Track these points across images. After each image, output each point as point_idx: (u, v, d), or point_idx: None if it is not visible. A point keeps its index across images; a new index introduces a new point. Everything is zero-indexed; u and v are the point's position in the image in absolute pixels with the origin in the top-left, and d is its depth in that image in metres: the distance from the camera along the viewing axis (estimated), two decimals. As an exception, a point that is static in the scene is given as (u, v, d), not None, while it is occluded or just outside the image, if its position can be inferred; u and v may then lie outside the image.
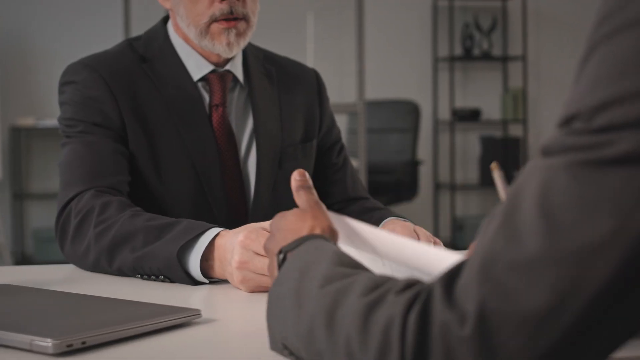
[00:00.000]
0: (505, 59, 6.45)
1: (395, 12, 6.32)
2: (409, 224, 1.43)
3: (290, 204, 1.64)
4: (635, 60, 0.56)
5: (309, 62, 5.33)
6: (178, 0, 1.55)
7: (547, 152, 0.59)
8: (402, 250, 1.31)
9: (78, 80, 1.53)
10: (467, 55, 6.39)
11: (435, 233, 6.37)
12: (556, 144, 0.58)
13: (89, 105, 1.51)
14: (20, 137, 5.57)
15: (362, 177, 4.54)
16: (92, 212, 1.37)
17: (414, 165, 5.63)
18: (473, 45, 6.40)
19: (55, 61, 5.34)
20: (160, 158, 1.53)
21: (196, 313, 0.98)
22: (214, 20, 1.52)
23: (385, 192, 5.39)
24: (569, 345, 0.55)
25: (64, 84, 1.55)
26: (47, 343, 0.83)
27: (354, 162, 4.62)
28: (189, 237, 1.23)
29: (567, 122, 0.59)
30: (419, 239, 1.38)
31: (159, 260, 1.24)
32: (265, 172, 1.60)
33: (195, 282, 1.23)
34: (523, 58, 6.44)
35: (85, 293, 1.11)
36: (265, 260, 1.15)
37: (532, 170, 0.59)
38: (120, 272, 1.31)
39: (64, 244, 1.41)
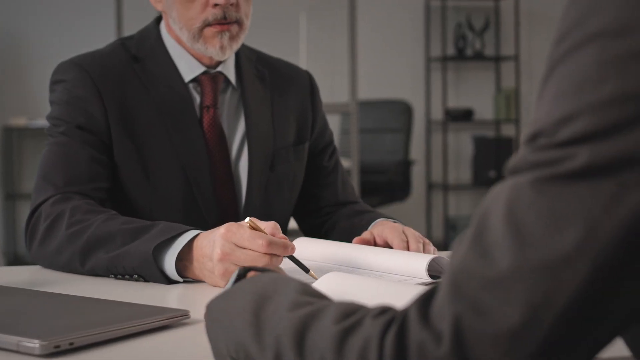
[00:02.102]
0: (497, 59, 6.46)
1: (387, 12, 6.32)
2: (397, 225, 1.43)
3: (281, 206, 1.66)
4: (593, 73, 0.56)
5: (302, 62, 5.33)
6: (171, 3, 1.54)
7: (513, 171, 0.60)
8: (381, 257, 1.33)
9: (67, 79, 1.53)
10: (460, 55, 6.40)
11: (428, 233, 6.38)
12: (521, 161, 0.59)
13: (75, 105, 1.51)
14: (13, 137, 5.56)
15: (355, 177, 4.54)
16: (63, 214, 1.37)
17: (406, 165, 5.64)
18: (466, 45, 6.41)
19: (48, 61, 5.31)
20: (148, 160, 1.52)
21: (185, 314, 0.98)
22: (207, 24, 1.51)
23: (378, 192, 5.39)
24: (546, 357, 0.56)
25: (54, 82, 1.55)
26: (35, 344, 0.83)
27: (347, 162, 4.64)
28: (166, 237, 1.24)
29: (531, 140, 0.59)
30: (407, 239, 1.38)
31: (134, 259, 1.25)
32: (257, 174, 1.60)
33: (170, 282, 1.25)
34: (516, 58, 6.45)
35: (73, 294, 1.11)
36: (248, 253, 1.17)
37: (500, 190, 0.60)
38: (93, 273, 1.31)
39: (31, 245, 1.41)
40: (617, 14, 0.57)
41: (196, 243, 1.23)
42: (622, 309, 0.57)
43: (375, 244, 1.41)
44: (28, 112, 5.53)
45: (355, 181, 4.53)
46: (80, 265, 1.32)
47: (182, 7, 1.52)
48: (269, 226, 1.21)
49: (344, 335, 0.61)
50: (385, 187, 5.51)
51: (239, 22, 1.54)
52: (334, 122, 5.60)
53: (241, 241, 1.17)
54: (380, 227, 1.43)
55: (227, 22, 1.51)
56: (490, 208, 0.59)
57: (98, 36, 5.41)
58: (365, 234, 1.43)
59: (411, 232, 1.41)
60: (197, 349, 0.89)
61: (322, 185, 1.72)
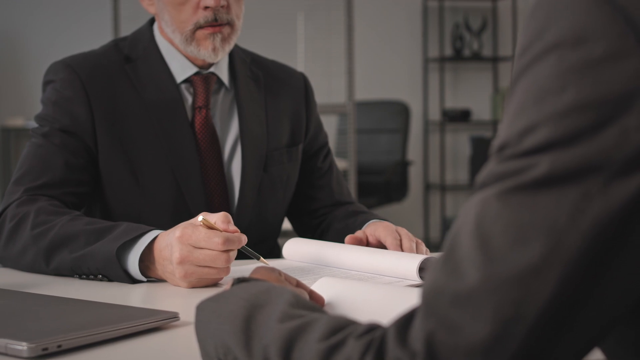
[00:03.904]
0: (495, 60, 6.46)
1: (385, 13, 6.32)
2: (390, 225, 1.44)
3: (274, 208, 1.66)
4: (553, 83, 0.57)
5: (300, 63, 5.33)
6: (163, 6, 1.55)
7: (482, 185, 0.60)
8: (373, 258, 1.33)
9: (57, 79, 1.54)
10: (458, 56, 6.39)
11: (426, 233, 6.38)
12: (488, 175, 0.59)
13: (61, 106, 1.52)
14: (10, 138, 5.56)
15: (352, 178, 4.54)
16: (28, 215, 1.38)
17: (404, 165, 5.64)
18: (463, 45, 6.41)
19: (45, 61, 5.30)
20: (137, 162, 1.53)
21: (174, 316, 0.98)
22: (198, 27, 1.52)
23: (375, 193, 5.39)
24: None
25: (45, 83, 1.57)
26: (22, 346, 0.82)
27: (344, 163, 4.64)
28: (129, 238, 1.25)
29: (497, 152, 0.60)
30: (400, 239, 1.39)
31: (97, 259, 1.26)
32: (251, 176, 1.60)
33: (134, 281, 1.26)
34: (513, 58, 6.43)
35: (62, 295, 1.11)
36: (205, 252, 1.19)
37: (470, 205, 0.60)
38: (57, 272, 1.33)
39: None
40: (572, 24, 0.57)
41: (155, 245, 1.24)
42: (596, 318, 0.56)
43: (368, 244, 1.42)
44: (25, 113, 5.53)
45: (352, 182, 4.53)
46: (45, 265, 1.33)
47: (174, 10, 1.53)
48: (219, 219, 1.22)
49: (328, 354, 0.61)
50: (383, 187, 5.50)
51: (230, 24, 1.54)
52: (331, 123, 5.60)
53: (198, 242, 1.19)
54: (373, 227, 1.44)
55: (218, 24, 1.52)
56: (461, 225, 0.59)
57: (95, 36, 5.41)
58: (358, 233, 1.43)
59: (404, 232, 1.41)
60: (187, 351, 0.89)
61: (317, 186, 1.72)
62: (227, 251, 1.19)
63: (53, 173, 1.47)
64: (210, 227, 1.20)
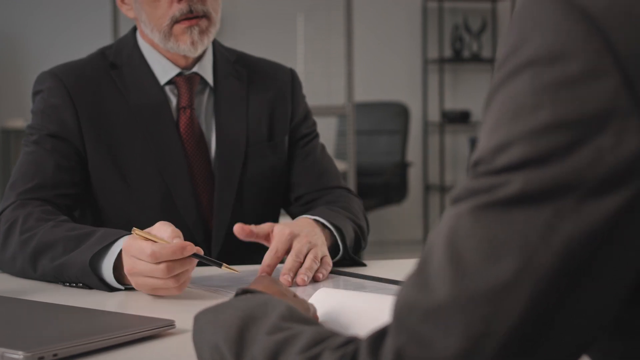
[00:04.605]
0: (494, 61, 6.44)
1: (384, 14, 6.32)
2: (287, 231, 1.34)
3: (253, 203, 1.64)
4: (528, 100, 0.57)
5: (299, 63, 5.33)
6: (139, 7, 1.58)
7: (456, 199, 0.60)
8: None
9: (44, 88, 1.58)
10: (457, 57, 6.40)
11: (425, 235, 6.38)
12: (462, 190, 0.59)
13: (48, 114, 1.55)
14: (10, 140, 5.56)
15: (352, 179, 4.54)
16: (17, 221, 1.40)
17: (403, 167, 5.64)
18: (463, 46, 6.41)
19: (45, 63, 5.29)
20: (125, 165, 1.55)
21: (170, 324, 0.98)
22: (175, 21, 1.54)
23: (374, 194, 5.39)
24: None
25: (34, 93, 1.60)
26: (19, 355, 0.83)
27: (344, 165, 4.64)
28: (101, 246, 1.26)
29: (472, 168, 0.59)
30: (289, 249, 1.33)
31: (74, 269, 1.27)
32: (227, 172, 1.60)
33: (111, 289, 1.26)
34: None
35: (58, 302, 1.11)
36: (142, 264, 1.17)
37: (444, 219, 0.60)
38: (44, 279, 1.34)
39: None
40: (547, 40, 0.57)
41: (123, 251, 1.23)
42: (570, 335, 0.56)
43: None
44: (26, 114, 5.53)
45: (351, 183, 4.54)
46: (33, 271, 1.35)
47: (150, 8, 1.56)
48: (168, 234, 1.19)
49: None
50: (382, 189, 5.51)
51: (207, 16, 1.56)
52: (330, 124, 5.60)
53: (136, 254, 1.18)
54: (283, 227, 1.36)
55: (194, 16, 1.54)
56: (434, 239, 0.59)
57: (95, 37, 5.40)
58: (259, 228, 1.36)
59: (297, 248, 1.32)
60: (183, 359, 0.90)
61: (297, 172, 1.70)
62: (167, 262, 1.16)
63: (44, 175, 1.50)
64: (147, 239, 1.18)
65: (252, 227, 1.35)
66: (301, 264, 1.31)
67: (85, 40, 5.35)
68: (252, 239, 1.35)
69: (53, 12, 5.68)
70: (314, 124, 1.77)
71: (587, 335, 0.57)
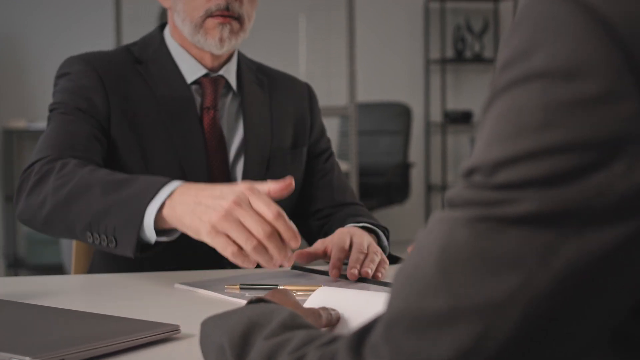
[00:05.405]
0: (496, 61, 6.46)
1: (386, 15, 6.33)
2: (345, 234, 1.43)
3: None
4: (536, 116, 0.53)
5: (301, 64, 5.33)
6: None
7: (450, 204, 0.57)
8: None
9: (72, 71, 1.57)
10: (459, 58, 6.40)
11: (427, 235, 6.37)
12: (458, 196, 0.57)
13: (78, 93, 1.54)
14: (12, 140, 5.56)
15: (354, 180, 4.54)
16: (52, 170, 1.37)
17: (405, 167, 5.64)
18: (465, 47, 6.41)
19: (47, 63, 5.33)
20: (148, 155, 1.55)
21: (175, 329, 0.98)
22: (209, 15, 1.55)
23: (376, 195, 5.40)
24: None
25: (58, 76, 1.59)
26: (25, 361, 0.83)
27: (346, 165, 4.64)
28: (152, 196, 1.21)
29: (467, 174, 0.57)
30: (350, 244, 1.39)
31: (122, 215, 1.22)
32: (252, 175, 1.62)
33: (135, 252, 1.21)
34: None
35: (64, 307, 1.11)
36: (257, 220, 1.09)
37: (436, 223, 0.57)
38: (69, 230, 1.30)
39: (19, 200, 1.40)
40: (563, 53, 0.53)
41: (184, 186, 1.20)
42: (564, 353, 0.54)
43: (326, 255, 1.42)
44: (27, 115, 5.54)
45: (354, 183, 4.54)
46: (63, 218, 1.30)
47: None
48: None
49: None
50: (384, 189, 5.51)
51: (240, 20, 1.57)
52: (332, 125, 5.60)
53: (258, 207, 1.11)
54: (336, 235, 1.45)
55: (229, 14, 1.55)
56: (426, 242, 0.57)
57: (96, 37, 5.43)
58: (314, 247, 1.43)
59: (358, 243, 1.39)
60: (188, 364, 0.90)
61: (318, 186, 1.74)
62: (271, 229, 1.10)
63: (80, 139, 1.48)
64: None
65: (310, 249, 1.41)
66: (365, 255, 1.37)
67: (86, 41, 5.36)
68: (316, 259, 1.41)
69: (53, 12, 5.68)
70: (329, 140, 1.82)
71: (578, 356, 0.55)
